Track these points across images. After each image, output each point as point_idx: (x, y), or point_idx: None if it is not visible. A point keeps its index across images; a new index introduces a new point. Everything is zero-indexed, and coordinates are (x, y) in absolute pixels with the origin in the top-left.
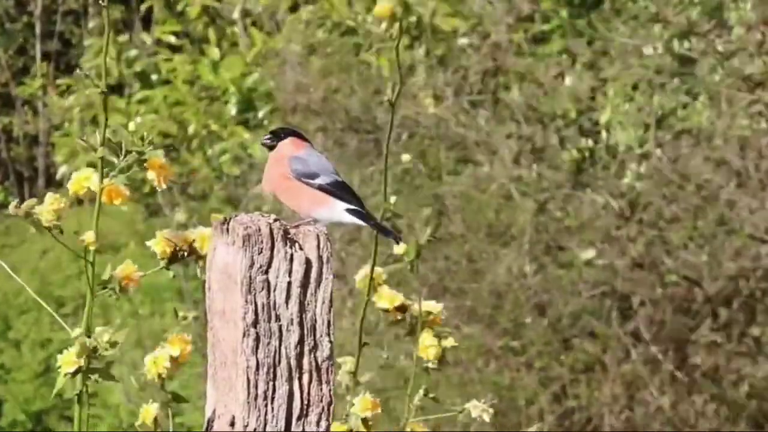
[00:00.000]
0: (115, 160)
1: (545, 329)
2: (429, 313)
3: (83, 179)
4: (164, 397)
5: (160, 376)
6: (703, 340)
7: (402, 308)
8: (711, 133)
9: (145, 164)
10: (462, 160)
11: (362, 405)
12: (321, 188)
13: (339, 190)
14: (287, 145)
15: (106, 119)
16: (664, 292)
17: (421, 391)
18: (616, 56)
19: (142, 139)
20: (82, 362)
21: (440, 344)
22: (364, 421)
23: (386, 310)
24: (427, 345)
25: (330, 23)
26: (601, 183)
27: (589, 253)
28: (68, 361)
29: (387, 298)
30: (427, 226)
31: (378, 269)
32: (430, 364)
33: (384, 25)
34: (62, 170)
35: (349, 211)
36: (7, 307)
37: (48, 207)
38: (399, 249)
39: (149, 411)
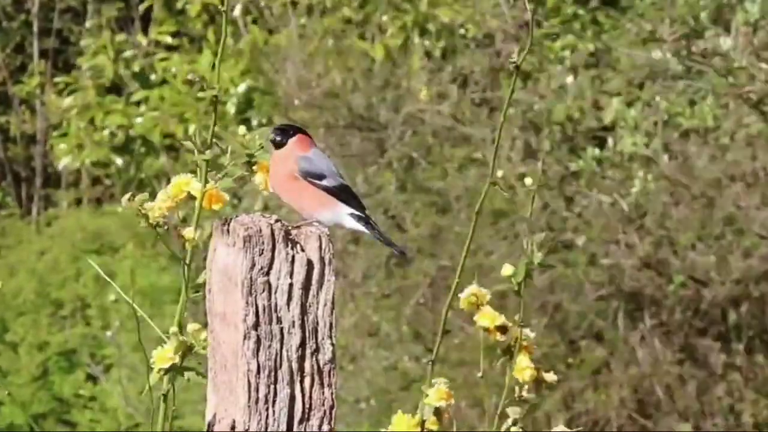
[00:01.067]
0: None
1: (551, 330)
2: (525, 338)
3: (183, 184)
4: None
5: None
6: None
7: (503, 329)
8: (718, 131)
9: (253, 167)
10: (467, 158)
11: (437, 395)
12: (327, 190)
13: (344, 193)
14: (296, 143)
15: (215, 123)
16: (672, 293)
17: (510, 423)
18: (621, 67)
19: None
20: (177, 359)
21: (540, 372)
22: (438, 411)
23: (486, 329)
24: (524, 367)
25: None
26: (609, 183)
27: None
28: (163, 357)
29: (489, 317)
30: (542, 248)
31: (483, 290)
32: (524, 391)
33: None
34: (64, 162)
35: (353, 216)
36: (5, 309)
37: (160, 204)
38: (506, 270)
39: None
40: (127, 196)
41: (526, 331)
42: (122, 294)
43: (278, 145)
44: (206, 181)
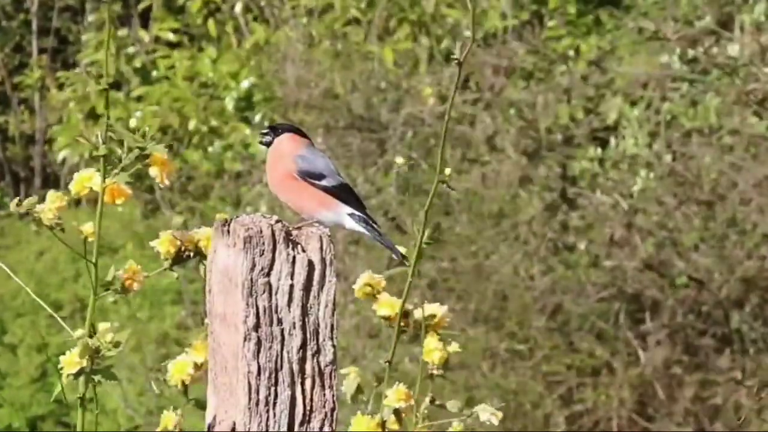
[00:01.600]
0: (117, 156)
1: (552, 332)
2: (433, 316)
3: (85, 179)
4: (184, 403)
5: (183, 383)
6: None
7: (404, 314)
8: (721, 131)
9: (147, 160)
10: (468, 159)
11: (396, 395)
12: (326, 190)
13: (344, 193)
14: (286, 141)
15: (108, 116)
16: (674, 295)
17: (427, 399)
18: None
19: (143, 135)
20: (84, 363)
21: (445, 348)
22: (397, 412)
23: (387, 318)
24: (432, 349)
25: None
26: (611, 184)
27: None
28: (71, 362)
29: (388, 305)
30: (427, 227)
31: (376, 276)
32: (435, 370)
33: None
34: (62, 154)
35: (353, 216)
36: (3, 310)
37: (49, 206)
38: (401, 251)
39: (170, 418)
40: (15, 201)
41: (434, 306)
42: (15, 278)
43: (268, 145)
44: (105, 177)
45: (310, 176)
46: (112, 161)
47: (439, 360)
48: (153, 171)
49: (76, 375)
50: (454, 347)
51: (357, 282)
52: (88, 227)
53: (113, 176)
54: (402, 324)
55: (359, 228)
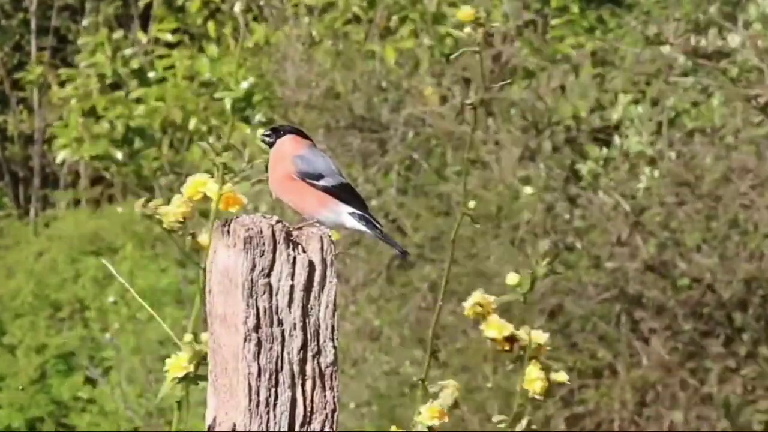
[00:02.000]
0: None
1: (554, 333)
2: (538, 344)
3: (199, 184)
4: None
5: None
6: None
7: (511, 339)
8: (724, 131)
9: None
10: (471, 160)
11: (429, 413)
12: (326, 190)
13: (344, 192)
14: (287, 142)
15: (233, 125)
16: (676, 296)
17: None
18: (625, 64)
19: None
20: (191, 368)
21: (547, 377)
22: (431, 430)
23: (494, 339)
24: (534, 378)
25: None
26: (613, 184)
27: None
28: (178, 366)
29: (496, 327)
30: (545, 257)
31: (489, 297)
32: (536, 396)
33: (467, 30)
34: (62, 155)
35: (353, 215)
36: (2, 311)
37: (174, 209)
38: (512, 280)
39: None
40: (141, 201)
41: (538, 333)
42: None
43: (271, 146)
44: (223, 184)
45: (309, 177)
46: (230, 169)
47: (540, 390)
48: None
49: (181, 380)
50: (561, 376)
51: (468, 300)
52: (204, 239)
53: (233, 184)
54: (507, 347)
55: (360, 226)
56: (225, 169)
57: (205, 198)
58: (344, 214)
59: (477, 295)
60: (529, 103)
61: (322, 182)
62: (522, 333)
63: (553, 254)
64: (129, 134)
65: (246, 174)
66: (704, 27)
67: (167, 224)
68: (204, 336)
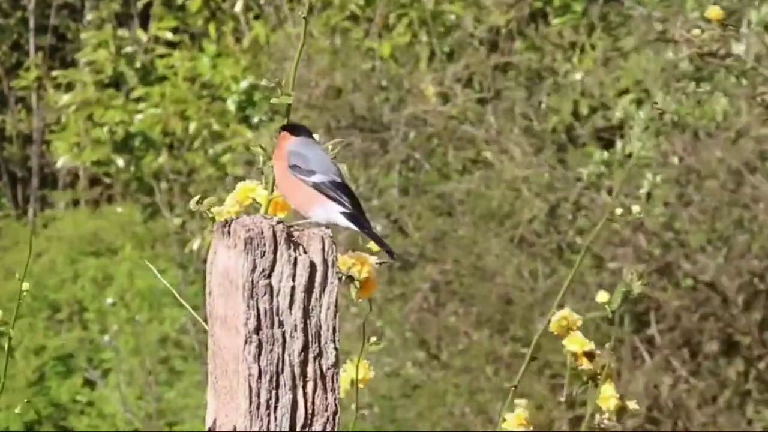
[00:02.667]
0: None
1: (556, 335)
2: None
3: (249, 190)
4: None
5: None
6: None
7: (590, 355)
8: (728, 130)
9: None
10: (471, 160)
11: (516, 420)
12: (316, 186)
13: (335, 190)
14: (283, 138)
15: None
16: (680, 296)
17: None
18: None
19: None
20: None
21: (623, 401)
22: None
23: (574, 354)
24: (609, 396)
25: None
26: (617, 189)
27: None
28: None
29: (578, 342)
30: (639, 277)
31: (574, 315)
32: (605, 420)
33: (715, 29)
34: (62, 161)
35: (344, 214)
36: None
37: (228, 208)
38: (602, 297)
39: None
40: (196, 198)
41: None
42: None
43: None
44: (273, 189)
45: (300, 173)
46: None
47: (614, 407)
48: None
49: None
50: (633, 404)
51: (554, 316)
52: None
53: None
54: (585, 364)
55: (350, 225)
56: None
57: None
58: (336, 212)
59: (564, 311)
60: (531, 104)
61: (312, 178)
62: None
63: (647, 273)
64: (129, 140)
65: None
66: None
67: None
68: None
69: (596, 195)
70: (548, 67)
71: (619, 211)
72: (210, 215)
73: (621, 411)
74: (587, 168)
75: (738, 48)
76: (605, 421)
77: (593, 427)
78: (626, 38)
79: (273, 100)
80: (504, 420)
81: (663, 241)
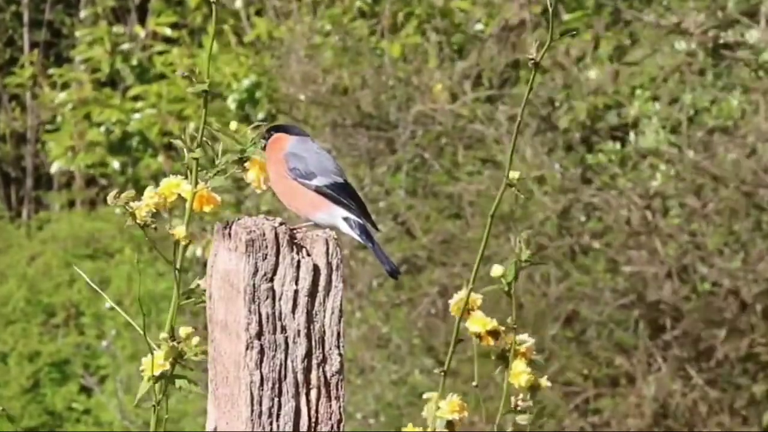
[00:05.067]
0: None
1: (569, 340)
2: (523, 342)
3: (173, 186)
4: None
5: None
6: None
7: (495, 333)
8: (745, 129)
9: (245, 164)
10: (481, 159)
11: (450, 407)
12: (318, 191)
13: (338, 193)
14: (277, 141)
15: (205, 119)
16: (697, 302)
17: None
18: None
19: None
20: (167, 366)
21: (534, 375)
22: (450, 424)
23: (478, 335)
24: (519, 371)
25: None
26: (630, 185)
27: None
28: (155, 364)
29: (479, 322)
30: (528, 247)
31: (474, 295)
32: (521, 401)
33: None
34: (56, 165)
35: (347, 221)
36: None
37: (147, 201)
38: (496, 271)
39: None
40: (113, 193)
41: (524, 336)
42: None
43: (263, 148)
44: (197, 182)
45: (301, 176)
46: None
47: (525, 383)
48: (251, 175)
49: (158, 378)
50: (544, 381)
51: (453, 298)
52: (180, 231)
53: (207, 181)
54: (492, 343)
55: (353, 233)
56: (199, 168)
57: (183, 199)
58: (338, 217)
59: (462, 292)
60: (542, 102)
61: (314, 182)
62: (505, 328)
63: (536, 243)
64: (125, 139)
65: (219, 169)
66: (724, 23)
67: (140, 218)
68: (182, 332)
69: (609, 195)
70: (559, 64)
71: (515, 174)
72: (129, 210)
73: (534, 388)
74: (597, 156)
75: (751, 36)
76: (520, 402)
77: (510, 409)
78: (640, 31)
79: (189, 89)
80: (438, 408)
81: (678, 243)
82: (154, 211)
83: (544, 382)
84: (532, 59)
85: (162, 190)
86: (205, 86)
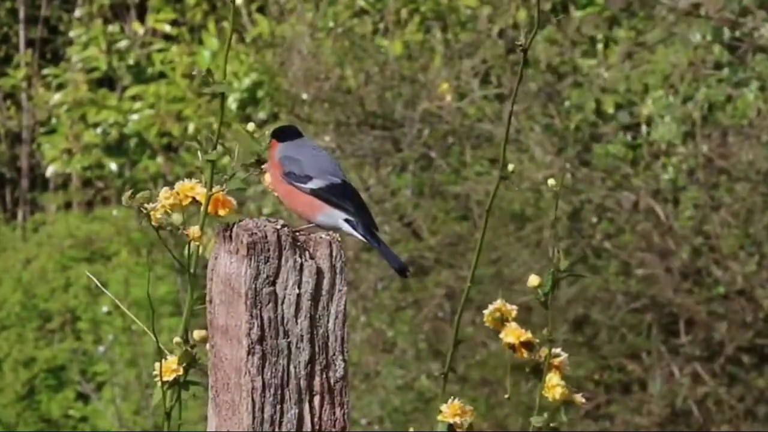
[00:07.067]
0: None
1: (579, 345)
2: (557, 356)
3: (188, 189)
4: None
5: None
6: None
7: (528, 345)
8: (761, 127)
9: (263, 166)
10: (489, 159)
11: (451, 410)
12: (314, 193)
13: (336, 195)
14: (273, 146)
15: (221, 122)
16: (711, 305)
17: None
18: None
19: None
20: (181, 371)
21: (569, 389)
22: (451, 428)
23: (512, 346)
24: (554, 384)
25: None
26: (643, 185)
27: None
28: (167, 369)
29: (514, 333)
30: (569, 254)
31: (509, 306)
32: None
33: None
34: (51, 169)
35: (348, 222)
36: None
37: (162, 202)
38: (533, 281)
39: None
40: (128, 193)
41: (557, 350)
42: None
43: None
44: (212, 185)
45: (296, 179)
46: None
47: (560, 396)
48: (268, 178)
49: (171, 384)
50: (579, 399)
51: (489, 307)
52: (194, 230)
53: (224, 184)
54: (525, 354)
55: (355, 234)
56: (213, 170)
57: (197, 203)
58: (339, 219)
59: (498, 302)
60: (551, 99)
61: (309, 185)
62: (541, 340)
63: (577, 254)
64: (122, 141)
65: (235, 172)
66: (741, 15)
67: (155, 220)
68: (196, 335)
69: (621, 195)
70: (569, 61)
71: (510, 167)
72: (144, 212)
73: (568, 403)
74: (605, 147)
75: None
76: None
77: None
78: (652, 29)
79: (205, 90)
80: (440, 412)
81: (692, 246)
82: (169, 212)
83: (579, 398)
84: (520, 45)
85: (178, 193)
86: (224, 87)
